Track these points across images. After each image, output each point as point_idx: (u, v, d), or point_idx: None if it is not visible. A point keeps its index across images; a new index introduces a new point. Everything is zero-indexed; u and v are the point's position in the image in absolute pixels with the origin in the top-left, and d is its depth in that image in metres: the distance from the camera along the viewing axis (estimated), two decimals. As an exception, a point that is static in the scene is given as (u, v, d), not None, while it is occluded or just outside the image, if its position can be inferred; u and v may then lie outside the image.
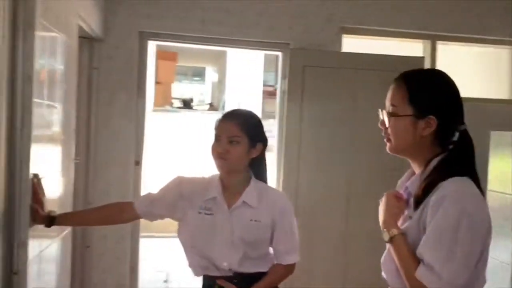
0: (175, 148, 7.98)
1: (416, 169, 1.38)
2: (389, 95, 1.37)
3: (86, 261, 3.28)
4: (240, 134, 1.73)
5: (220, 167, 1.76)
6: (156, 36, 3.39)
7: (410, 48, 3.75)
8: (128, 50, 3.29)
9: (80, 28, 2.67)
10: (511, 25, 3.73)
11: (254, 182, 1.80)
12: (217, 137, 1.75)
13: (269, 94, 8.86)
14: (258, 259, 1.78)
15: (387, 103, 1.37)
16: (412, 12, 3.59)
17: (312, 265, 3.37)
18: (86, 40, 3.14)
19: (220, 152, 1.72)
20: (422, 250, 1.23)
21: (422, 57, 3.56)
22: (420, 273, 1.22)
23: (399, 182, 1.45)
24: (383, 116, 1.37)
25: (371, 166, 3.38)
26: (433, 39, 3.71)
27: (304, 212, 3.34)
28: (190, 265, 1.81)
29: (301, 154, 3.38)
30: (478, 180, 1.31)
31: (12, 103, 1.68)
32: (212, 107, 10.94)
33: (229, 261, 1.74)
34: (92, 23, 2.84)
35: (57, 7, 2.02)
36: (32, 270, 1.80)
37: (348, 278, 3.40)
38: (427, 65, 3.59)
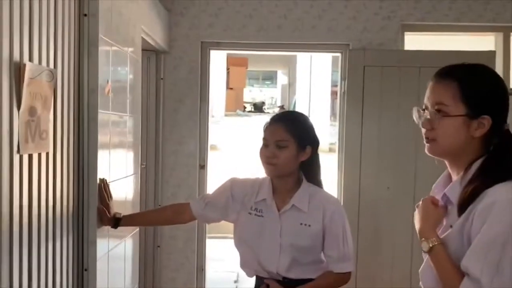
0: (246, 150, 8.16)
1: (454, 172, 1.30)
2: (432, 92, 1.27)
3: (157, 260, 3.47)
4: (287, 138, 1.71)
5: (268, 172, 1.77)
6: (217, 46, 3.51)
7: (480, 42, 3.55)
8: (191, 60, 3.45)
9: (146, 42, 2.86)
10: None
11: (305, 186, 1.77)
12: (265, 142, 1.75)
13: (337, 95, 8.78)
14: (308, 265, 1.75)
15: (430, 101, 1.27)
16: (479, 2, 3.39)
17: (376, 271, 3.30)
18: (152, 52, 3.34)
19: (268, 156, 1.72)
20: (468, 263, 1.15)
21: (494, 51, 3.34)
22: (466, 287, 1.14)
23: (434, 186, 1.38)
24: (429, 115, 1.27)
25: (437, 166, 3.25)
26: (506, 31, 3.48)
27: (367, 215, 3.29)
28: (242, 266, 1.85)
29: (363, 155, 3.32)
30: None
31: (79, 114, 1.86)
32: (283, 109, 11.04)
33: (277, 265, 1.73)
34: (156, 36, 3.02)
35: (120, 24, 2.18)
36: (101, 267, 1.96)
37: (414, 286, 3.28)
38: (499, 59, 3.37)
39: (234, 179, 1.90)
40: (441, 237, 1.25)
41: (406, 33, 3.46)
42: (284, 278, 1.75)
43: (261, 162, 1.77)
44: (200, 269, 3.51)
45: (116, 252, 2.20)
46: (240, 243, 1.83)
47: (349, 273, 1.77)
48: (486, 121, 1.21)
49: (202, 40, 3.45)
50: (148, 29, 2.79)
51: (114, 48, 2.11)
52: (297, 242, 1.73)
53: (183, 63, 3.44)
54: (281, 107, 11.27)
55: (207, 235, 3.64)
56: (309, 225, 1.73)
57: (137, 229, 2.52)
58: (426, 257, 1.30)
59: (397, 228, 3.30)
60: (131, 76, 2.41)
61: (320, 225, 1.74)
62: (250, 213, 1.79)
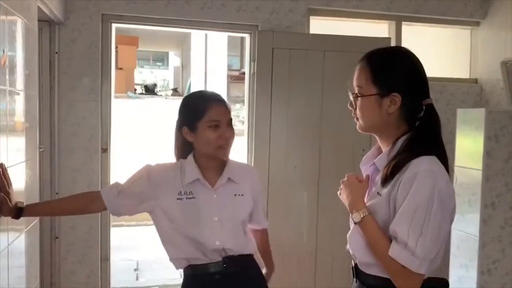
0: (140, 134, 7.84)
1: (384, 146, 1.40)
2: (355, 76, 1.39)
3: (55, 252, 3.19)
4: (231, 116, 1.73)
5: (225, 154, 1.71)
6: (119, 19, 3.26)
7: (376, 29, 3.78)
8: (90, 33, 3.16)
9: (40, 11, 2.54)
10: (471, 6, 3.83)
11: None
12: (217, 123, 1.66)
13: (234, 79, 8.79)
14: (245, 236, 1.75)
15: (354, 84, 1.39)
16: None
17: (286, 244, 3.41)
18: (45, 23, 3.00)
19: (229, 136, 1.68)
20: (396, 228, 1.25)
21: (389, 38, 3.60)
22: (394, 252, 1.24)
23: (364, 158, 1.48)
24: (351, 97, 1.40)
25: (340, 146, 3.43)
26: (398, 20, 3.76)
27: (276, 193, 3.36)
28: (172, 257, 1.75)
29: (272, 137, 3.37)
30: (446, 157, 1.34)
31: (-28, 89, 1.59)
32: (176, 92, 10.76)
33: (221, 240, 1.68)
34: (52, 5, 2.70)
35: (15, -13, 1.91)
36: (1, 263, 1.73)
37: (319, 257, 3.45)
38: (392, 45, 3.63)
39: (149, 166, 1.79)
40: (369, 203, 1.35)
41: (311, 17, 3.55)
42: (224, 257, 1.69)
43: (214, 147, 1.68)
44: (105, 259, 3.30)
45: (15, 246, 1.95)
46: (172, 232, 1.71)
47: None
48: (397, 98, 1.33)
49: (103, 13, 3.18)
50: (43, -4, 2.48)
51: (10, 16, 1.83)
52: (236, 213, 1.72)
53: (81, 37, 3.15)
54: (175, 89, 10.98)
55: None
56: (242, 194, 1.74)
57: (36, 220, 2.27)
58: (353, 225, 1.39)
59: (304, 203, 3.45)
60: (27, 49, 2.13)
61: (250, 191, 1.77)
62: (180, 199, 1.69)
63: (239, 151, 3.41)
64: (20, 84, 2.03)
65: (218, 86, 8.17)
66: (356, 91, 1.38)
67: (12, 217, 1.74)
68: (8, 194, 1.71)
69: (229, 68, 9.13)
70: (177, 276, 1.83)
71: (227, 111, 1.71)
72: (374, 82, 1.34)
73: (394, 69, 1.34)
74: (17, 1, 1.93)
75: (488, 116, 2.54)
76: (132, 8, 3.22)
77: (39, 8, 2.47)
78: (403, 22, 3.76)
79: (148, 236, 5.50)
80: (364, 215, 1.32)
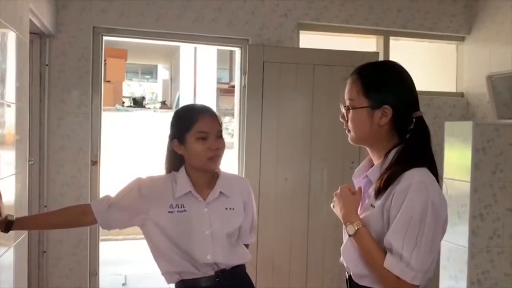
0: (128, 147, 7.80)
1: (375, 158, 1.42)
2: (346, 89, 1.41)
3: (43, 266, 3.14)
4: (221, 127, 1.72)
5: (216, 165, 1.70)
6: (110, 32, 3.27)
7: (364, 44, 3.84)
8: (81, 46, 3.17)
9: (31, 23, 2.54)
10: (456, 22, 3.92)
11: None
12: (204, 135, 1.66)
13: (223, 92, 8.82)
14: (236, 249, 1.74)
15: (345, 97, 1.41)
16: (365, 8, 3.69)
17: (275, 255, 3.40)
18: (36, 36, 3.00)
19: (219, 148, 1.66)
20: (391, 240, 1.26)
21: (377, 52, 3.66)
22: (389, 263, 1.25)
23: (356, 171, 1.49)
24: (343, 110, 1.42)
25: (330, 158, 3.46)
26: (386, 35, 3.83)
27: (267, 205, 3.36)
28: (164, 271, 1.72)
29: (263, 150, 3.39)
30: (436, 168, 1.35)
31: (-36, 101, 1.58)
32: (165, 105, 10.75)
33: (212, 253, 1.67)
34: (43, 18, 2.71)
35: (7, 1, 1.91)
36: (-11, 278, 1.70)
37: (310, 269, 3.45)
38: (381, 59, 3.68)
39: (140, 179, 1.77)
40: (363, 215, 1.36)
41: (301, 31, 3.60)
42: (217, 271, 1.68)
43: (204, 158, 1.67)
44: (93, 274, 3.26)
45: (3, 261, 1.92)
46: (164, 246, 1.69)
47: None
48: (388, 111, 1.34)
49: (94, 25, 3.18)
50: (35, 9, 2.48)
51: (1, 25, 1.83)
52: (227, 227, 1.71)
53: (72, 49, 3.15)
54: (163, 102, 10.97)
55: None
56: (233, 208, 1.73)
57: (24, 234, 2.23)
58: (346, 237, 1.39)
59: (295, 215, 3.45)
60: (18, 61, 2.12)
61: (241, 205, 1.76)
62: (171, 212, 1.68)
63: (229, 164, 3.42)
64: (11, 96, 2.02)
65: (207, 99, 8.19)
66: (347, 104, 1.40)
67: (2, 231, 1.71)
68: (-2, 207, 1.69)
69: (218, 81, 9.16)
70: (166, 290, 1.81)
71: (216, 122, 1.70)
72: (366, 95, 1.36)
73: (385, 82, 1.37)
74: (9, 13, 1.93)
75: (476, 129, 2.58)
76: (123, 21, 3.23)
77: (30, 20, 2.47)
78: (391, 37, 3.84)
79: (136, 251, 5.44)
80: (358, 227, 1.33)
